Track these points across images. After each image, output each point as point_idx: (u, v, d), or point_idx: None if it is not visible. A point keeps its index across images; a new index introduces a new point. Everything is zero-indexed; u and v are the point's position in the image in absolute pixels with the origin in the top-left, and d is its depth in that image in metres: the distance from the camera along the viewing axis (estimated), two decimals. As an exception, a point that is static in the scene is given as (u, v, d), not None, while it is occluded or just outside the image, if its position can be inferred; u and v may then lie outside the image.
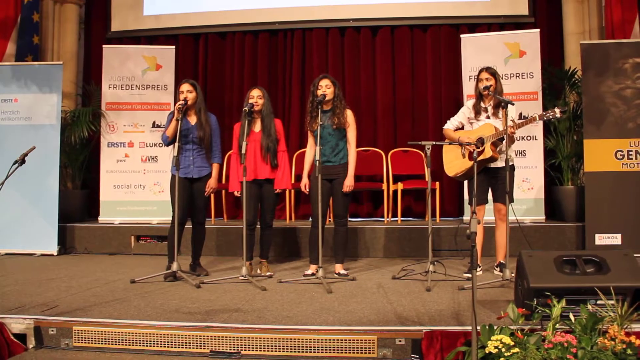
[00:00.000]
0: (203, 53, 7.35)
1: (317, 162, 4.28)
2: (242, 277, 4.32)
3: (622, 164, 5.47)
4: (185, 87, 4.66)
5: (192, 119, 4.68)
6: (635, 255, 3.17)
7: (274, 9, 7.12)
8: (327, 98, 4.49)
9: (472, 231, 2.64)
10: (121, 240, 6.13)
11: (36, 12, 6.79)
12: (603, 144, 5.53)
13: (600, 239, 5.41)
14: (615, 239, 5.39)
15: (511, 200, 4.28)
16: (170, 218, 4.64)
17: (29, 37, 6.72)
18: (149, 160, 6.53)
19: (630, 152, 5.48)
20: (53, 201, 6.02)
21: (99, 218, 6.49)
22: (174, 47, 6.79)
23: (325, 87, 4.52)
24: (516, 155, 5.89)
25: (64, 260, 5.73)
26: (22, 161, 3.79)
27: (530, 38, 6.12)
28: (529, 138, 6.07)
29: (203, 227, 4.86)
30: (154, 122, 6.55)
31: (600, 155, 5.51)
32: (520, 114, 5.88)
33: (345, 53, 7.11)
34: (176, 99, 4.74)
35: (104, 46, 6.76)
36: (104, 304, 3.64)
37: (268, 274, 4.69)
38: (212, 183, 4.75)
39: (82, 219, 6.61)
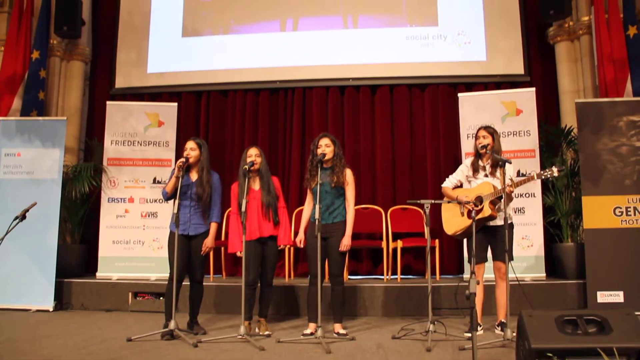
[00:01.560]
0: (205, 110, 7.46)
1: (317, 220, 4.29)
2: (240, 337, 4.26)
3: (621, 220, 5.48)
4: (189, 144, 4.73)
5: (194, 176, 4.72)
6: (637, 313, 3.14)
7: (275, 68, 7.28)
8: (326, 157, 4.55)
9: (472, 292, 2.64)
10: (118, 296, 6.06)
11: (43, 68, 6.95)
12: (601, 201, 5.55)
13: (602, 297, 5.36)
14: (618, 297, 5.34)
15: (511, 258, 4.27)
16: (169, 275, 4.61)
17: (35, 92, 6.86)
18: (148, 216, 6.53)
19: (628, 209, 5.50)
20: (51, 256, 5.99)
21: (97, 274, 6.44)
22: (176, 104, 6.90)
23: (325, 146, 4.58)
24: (515, 212, 5.90)
25: (59, 316, 5.65)
26: (22, 217, 3.82)
27: (526, 97, 6.24)
28: (527, 195, 6.09)
29: (201, 285, 4.82)
30: (154, 178, 6.58)
31: (599, 212, 5.53)
32: (519, 171, 5.93)
33: (345, 111, 7.22)
34: (178, 157, 4.79)
35: (107, 102, 6.87)
36: (99, 364, 3.58)
37: (266, 333, 4.61)
38: (208, 242, 4.72)
39: (79, 275, 6.55)
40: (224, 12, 7.53)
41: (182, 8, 7.60)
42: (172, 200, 4.62)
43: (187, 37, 7.55)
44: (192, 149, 4.70)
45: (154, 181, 6.59)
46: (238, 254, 4.71)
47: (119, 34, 7.66)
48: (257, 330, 4.69)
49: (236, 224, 4.69)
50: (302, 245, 4.66)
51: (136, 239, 6.49)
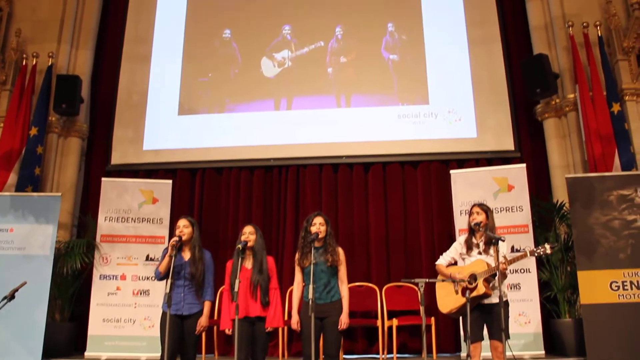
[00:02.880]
0: (199, 187, 7.50)
1: (311, 300, 4.23)
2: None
3: (619, 295, 5.46)
4: (182, 222, 4.72)
5: (186, 255, 4.69)
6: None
7: (269, 146, 7.39)
8: (320, 236, 4.55)
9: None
10: (107, 378, 5.90)
11: (40, 145, 7.03)
12: (597, 275, 5.54)
13: (604, 374, 5.25)
14: (620, 373, 5.23)
15: (507, 337, 4.19)
16: (160, 354, 4.50)
17: (31, 168, 6.90)
18: (140, 294, 6.43)
19: (625, 283, 5.48)
20: (38, 334, 5.85)
21: (86, 353, 6.27)
22: (170, 181, 6.94)
23: (319, 225, 4.58)
24: (511, 288, 5.87)
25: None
26: (11, 297, 3.77)
27: (517, 172, 6.33)
28: (522, 271, 6.06)
29: (193, 367, 4.70)
30: (147, 255, 6.55)
31: (595, 286, 5.51)
32: (513, 246, 5.93)
33: (339, 188, 7.27)
34: (171, 233, 4.78)
35: (102, 179, 6.91)
36: None
37: None
38: (203, 321, 4.63)
39: (67, 354, 6.38)
40: (219, 91, 7.73)
41: (179, 87, 7.79)
42: (165, 280, 4.57)
43: (183, 115, 7.70)
44: (185, 226, 4.70)
45: (147, 258, 6.54)
46: (227, 331, 4.62)
47: (117, 112, 7.80)
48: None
49: (227, 302, 4.62)
50: (298, 328, 4.57)
51: (127, 317, 6.37)
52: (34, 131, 7.01)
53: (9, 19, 7.73)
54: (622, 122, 6.34)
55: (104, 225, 6.63)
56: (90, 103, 7.89)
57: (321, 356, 4.93)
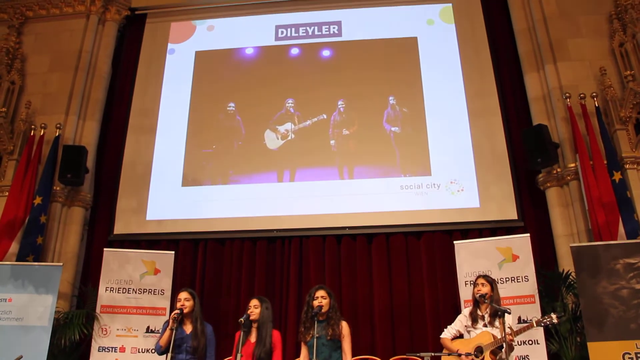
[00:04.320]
0: (202, 258, 7.45)
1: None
2: None
3: (633, 367, 5.30)
4: (183, 295, 4.70)
5: (188, 328, 4.64)
6: None
7: (272, 217, 7.39)
8: (322, 310, 4.51)
9: None
10: None
11: (44, 214, 7.03)
12: (608, 347, 5.39)
13: None
14: None
15: (518, 413, 4.07)
16: None
17: (34, 237, 6.87)
18: (140, 367, 6.30)
19: (638, 355, 5.32)
20: (36, 409, 5.68)
21: None
22: (173, 252, 6.91)
23: (322, 298, 4.56)
24: (519, 361, 5.73)
25: None
26: (6, 374, 3.67)
27: (521, 242, 6.28)
28: (530, 342, 5.92)
29: None
30: (147, 327, 6.42)
31: (608, 358, 5.34)
32: (520, 317, 5.82)
33: (342, 259, 7.21)
34: (173, 306, 4.74)
35: (104, 249, 6.88)
36: None
37: None
38: (204, 396, 4.55)
39: None
40: (223, 163, 7.82)
41: (183, 158, 7.90)
42: (165, 355, 4.48)
43: (186, 186, 7.76)
44: (186, 299, 4.67)
45: (147, 330, 6.42)
46: None
47: (121, 182, 7.86)
48: None
49: None
50: None
51: (126, 391, 6.21)
52: (38, 200, 7.04)
53: (20, 91, 7.95)
54: (624, 190, 6.35)
55: (105, 295, 6.55)
56: (95, 173, 7.97)
57: None
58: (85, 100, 8.09)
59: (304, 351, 4.64)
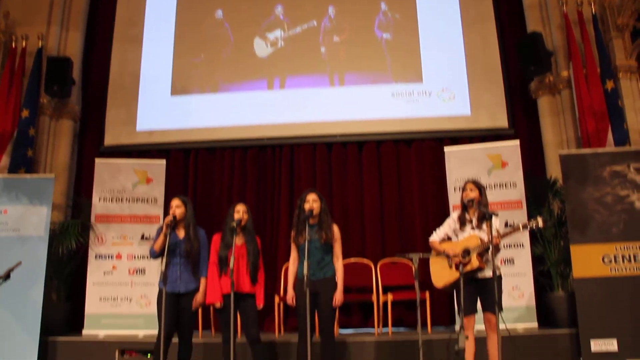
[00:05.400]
0: (193, 167, 7.49)
1: (305, 277, 4.27)
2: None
3: (610, 268, 5.51)
4: (175, 202, 4.74)
5: (181, 233, 4.72)
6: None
7: (262, 126, 7.37)
8: (314, 213, 4.57)
9: (460, 348, 2.62)
10: (105, 354, 5.87)
11: (32, 127, 6.98)
12: (589, 250, 5.59)
13: (596, 345, 5.33)
14: (612, 345, 5.31)
15: (500, 309, 4.22)
16: (157, 331, 4.55)
17: (24, 150, 6.86)
18: (136, 272, 6.46)
19: (617, 257, 5.54)
20: (36, 314, 5.86)
21: (83, 331, 6.30)
22: (164, 161, 6.92)
23: (313, 202, 4.60)
24: (505, 263, 5.92)
25: (43, 377, 5.50)
26: (6, 277, 3.76)
27: (511, 149, 6.33)
28: (516, 246, 6.11)
29: (189, 343, 4.74)
30: (142, 235, 6.55)
31: (588, 260, 5.56)
32: (506, 222, 5.96)
33: (333, 167, 7.28)
34: (166, 213, 4.80)
35: (96, 159, 6.89)
36: None
37: None
38: (199, 298, 4.69)
39: (65, 332, 6.39)
40: (212, 72, 7.69)
41: (171, 67, 7.75)
42: (160, 258, 4.58)
43: (175, 95, 7.67)
44: (177, 206, 4.72)
45: (142, 237, 6.54)
46: (217, 305, 4.68)
47: (109, 93, 7.76)
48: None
49: (214, 276, 4.70)
50: (293, 303, 4.61)
51: (124, 295, 6.40)
52: (25, 113, 6.96)
53: (-4, 1, 7.65)
54: (615, 99, 6.35)
55: (99, 205, 6.63)
56: (82, 85, 7.82)
57: (317, 331, 4.97)
58: (67, 10, 7.80)
59: (293, 253, 4.74)
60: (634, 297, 5.40)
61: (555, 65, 6.93)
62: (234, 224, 4.60)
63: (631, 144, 6.24)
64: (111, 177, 6.70)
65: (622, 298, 5.41)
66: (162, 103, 7.65)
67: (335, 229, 4.66)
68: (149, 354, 5.66)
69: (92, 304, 6.37)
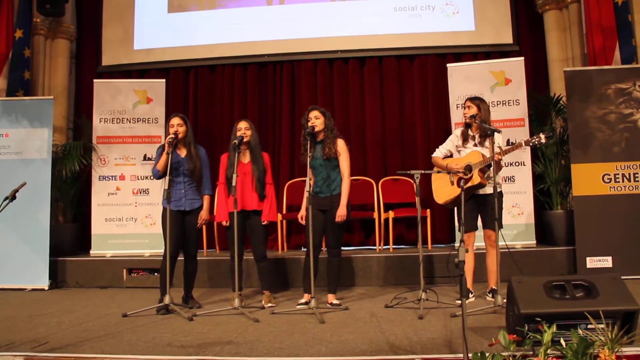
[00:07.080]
0: (193, 86, 7.42)
1: (308, 192, 4.31)
2: (234, 309, 4.31)
3: (610, 187, 5.56)
4: (175, 120, 4.70)
5: (182, 152, 4.71)
6: (626, 277, 3.19)
7: (262, 42, 7.22)
8: (316, 129, 4.53)
9: (460, 260, 2.68)
10: (113, 273, 6.09)
11: (27, 48, 6.84)
12: (590, 168, 5.62)
13: (591, 262, 5.46)
14: (606, 262, 5.44)
15: (500, 226, 4.28)
16: (163, 250, 4.64)
17: (20, 72, 6.76)
18: (140, 193, 6.53)
19: (617, 176, 5.57)
20: (44, 236, 5.98)
21: (91, 251, 6.45)
22: (164, 80, 6.85)
23: (315, 119, 4.55)
24: (505, 181, 5.96)
25: (55, 294, 5.68)
26: (12, 197, 3.77)
27: (515, 66, 6.23)
28: (517, 164, 6.13)
29: (195, 260, 4.85)
30: (144, 155, 6.56)
31: (588, 179, 5.60)
32: (508, 140, 5.94)
33: (334, 84, 7.20)
34: (166, 132, 4.77)
35: (94, 80, 6.82)
36: (95, 339, 3.60)
37: (269, 305, 4.66)
38: (203, 215, 4.77)
39: (73, 253, 6.56)
40: (208, -14, 7.45)
41: (167, -17, 7.50)
42: (163, 177, 4.59)
43: (173, 12, 7.47)
44: (178, 124, 4.69)
45: (145, 158, 6.57)
46: (224, 223, 4.77)
47: (104, 11, 7.56)
48: (262, 302, 4.71)
49: (223, 195, 4.75)
50: (303, 222, 4.65)
51: (129, 216, 6.50)
52: (19, 33, 6.79)
53: None
54: (625, 14, 6.14)
55: (100, 127, 6.61)
56: (76, 3, 7.60)
57: (323, 247, 5.07)
58: None
59: (309, 171, 4.63)
60: (631, 215, 5.48)
61: (564, -22, 6.69)
62: (236, 142, 4.59)
63: (639, 62, 6.10)
64: (111, 97, 6.64)
65: (619, 216, 5.48)
66: (159, 20, 7.46)
67: (340, 143, 4.60)
68: (155, 273, 5.82)
69: (98, 225, 6.48)
